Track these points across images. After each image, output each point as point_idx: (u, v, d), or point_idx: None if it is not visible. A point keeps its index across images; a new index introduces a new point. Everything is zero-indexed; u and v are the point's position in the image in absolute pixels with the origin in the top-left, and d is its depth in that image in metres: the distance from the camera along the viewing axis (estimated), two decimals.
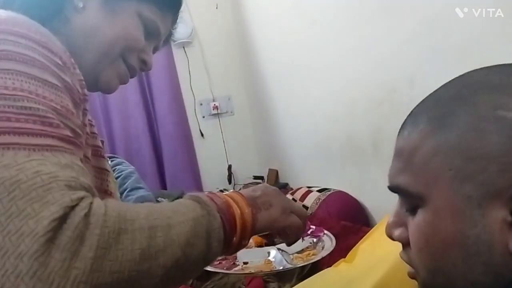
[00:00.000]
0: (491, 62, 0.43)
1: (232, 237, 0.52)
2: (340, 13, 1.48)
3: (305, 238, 0.80)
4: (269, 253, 0.77)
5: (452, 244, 0.38)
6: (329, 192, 1.63)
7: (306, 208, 1.68)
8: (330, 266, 0.91)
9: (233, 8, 2.68)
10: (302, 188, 1.85)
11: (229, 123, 2.75)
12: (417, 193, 0.41)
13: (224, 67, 2.72)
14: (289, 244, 0.65)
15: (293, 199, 1.84)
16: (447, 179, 0.38)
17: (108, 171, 0.65)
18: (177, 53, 2.64)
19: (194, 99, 2.67)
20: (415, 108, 0.44)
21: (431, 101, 0.43)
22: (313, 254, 0.79)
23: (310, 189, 1.79)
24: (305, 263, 0.72)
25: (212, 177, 2.70)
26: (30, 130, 0.42)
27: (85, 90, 0.56)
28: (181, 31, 2.55)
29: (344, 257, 0.94)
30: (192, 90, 2.65)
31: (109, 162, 1.56)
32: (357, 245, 0.92)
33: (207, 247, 0.48)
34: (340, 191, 1.61)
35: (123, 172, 1.51)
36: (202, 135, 2.71)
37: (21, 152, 0.40)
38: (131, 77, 0.69)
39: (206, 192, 0.54)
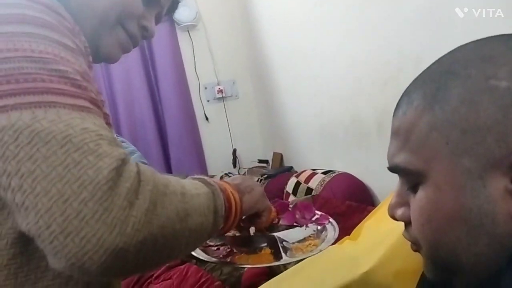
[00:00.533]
0: None
1: (230, 216, 0.57)
2: None
3: (309, 225, 0.80)
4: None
5: (455, 218, 0.38)
6: (333, 174, 1.64)
7: (311, 190, 1.69)
8: (335, 244, 0.91)
9: None
10: (307, 171, 1.86)
11: (234, 107, 2.75)
12: (416, 170, 0.41)
13: (229, 50, 2.70)
14: (263, 230, 0.71)
15: (297, 181, 1.84)
16: (445, 153, 0.38)
17: (116, 138, 0.66)
18: (182, 37, 2.62)
19: (199, 83, 2.66)
20: (408, 86, 0.44)
21: (423, 78, 0.43)
22: (314, 245, 0.79)
23: (315, 171, 1.79)
24: (301, 258, 0.72)
25: (217, 161, 2.71)
26: (65, 91, 0.43)
27: (90, 58, 0.56)
28: (185, 14, 2.54)
29: (349, 235, 0.94)
30: (196, 74, 2.65)
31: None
32: (361, 223, 0.92)
33: (214, 220, 0.51)
34: (344, 173, 1.61)
35: (126, 150, 1.51)
36: (206, 119, 2.71)
37: (63, 110, 0.41)
38: (134, 46, 0.68)
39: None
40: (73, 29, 0.51)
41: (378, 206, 1.03)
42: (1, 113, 0.39)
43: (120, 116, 2.54)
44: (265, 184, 2.17)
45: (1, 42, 0.42)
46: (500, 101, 0.36)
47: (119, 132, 2.52)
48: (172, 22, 2.57)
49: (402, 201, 0.45)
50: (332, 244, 0.71)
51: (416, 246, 0.45)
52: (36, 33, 0.44)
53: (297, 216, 0.76)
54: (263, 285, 0.86)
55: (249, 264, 0.70)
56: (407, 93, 0.44)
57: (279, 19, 2.12)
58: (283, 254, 0.69)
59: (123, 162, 0.41)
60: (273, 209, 0.79)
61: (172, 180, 0.48)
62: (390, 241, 0.73)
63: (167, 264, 1.29)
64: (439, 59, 0.43)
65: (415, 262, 0.61)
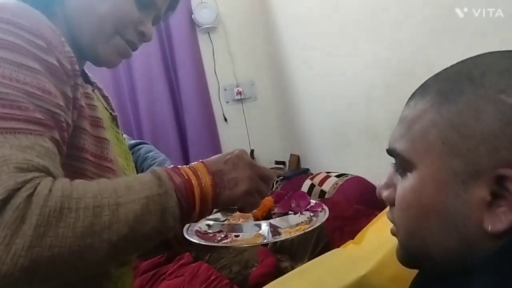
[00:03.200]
0: None
1: (191, 212, 0.54)
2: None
3: (303, 212, 0.81)
4: (260, 227, 0.78)
5: (431, 211, 0.41)
6: (346, 177, 1.65)
7: (324, 192, 1.71)
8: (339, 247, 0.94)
9: None
10: (321, 173, 1.87)
11: (252, 108, 2.78)
12: (409, 159, 0.43)
13: (248, 52, 2.73)
14: (259, 217, 0.70)
15: (312, 184, 1.86)
16: (438, 151, 0.41)
17: (108, 140, 0.66)
18: (202, 39, 2.67)
19: (218, 85, 2.70)
20: (428, 79, 0.46)
21: (443, 75, 0.45)
22: (302, 229, 0.80)
23: (329, 174, 1.81)
24: (289, 237, 0.73)
25: None
26: None
27: (76, 66, 0.58)
28: (205, 16, 2.59)
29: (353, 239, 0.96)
30: (216, 76, 2.69)
31: (141, 148, 1.60)
32: (366, 227, 0.95)
33: (162, 222, 0.50)
34: (357, 177, 1.63)
35: (156, 160, 1.56)
36: (225, 120, 2.75)
37: None
38: (133, 50, 0.69)
39: (170, 167, 0.56)
40: (50, 43, 0.53)
41: (384, 210, 1.04)
42: None
43: (141, 116, 2.61)
44: (281, 186, 2.20)
45: None
46: (502, 116, 0.38)
47: (141, 133, 2.59)
48: (193, 25, 2.62)
49: (390, 183, 0.48)
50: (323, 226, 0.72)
51: (395, 229, 0.48)
52: None
53: (292, 205, 0.79)
54: (268, 285, 0.90)
55: (238, 244, 0.72)
56: (424, 85, 0.46)
57: (297, 23, 2.14)
58: (269, 234, 0.71)
59: (17, 190, 0.42)
60: (271, 198, 0.81)
61: (95, 191, 0.47)
62: (388, 246, 0.75)
63: (180, 262, 1.34)
64: (465, 60, 0.44)
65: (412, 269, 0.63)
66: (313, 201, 0.79)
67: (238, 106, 2.75)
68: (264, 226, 0.74)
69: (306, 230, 0.69)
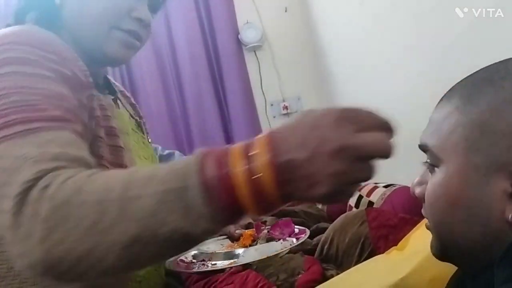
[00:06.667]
0: None
1: (235, 211, 0.42)
2: (401, 13, 1.50)
3: (287, 239, 0.78)
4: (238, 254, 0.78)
5: (457, 203, 0.45)
6: (394, 188, 1.64)
7: (372, 203, 1.71)
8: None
9: (302, 10, 2.75)
10: (369, 184, 1.87)
11: None
12: (437, 155, 0.48)
13: (294, 68, 2.79)
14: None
15: (360, 195, 1.86)
16: (463, 148, 0.45)
17: (122, 147, 0.69)
18: (248, 57, 2.77)
19: (265, 100, 2.78)
20: (455, 84, 0.51)
21: (467, 81, 0.49)
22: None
23: (377, 184, 1.80)
24: (260, 258, 0.73)
25: None
26: (19, 120, 0.50)
27: (90, 79, 0.64)
28: (251, 36, 2.69)
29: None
30: (263, 92, 2.76)
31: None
32: (409, 233, 0.95)
33: (189, 223, 0.41)
34: (405, 187, 1.61)
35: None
36: None
37: (11, 141, 0.49)
38: (138, 41, 0.72)
39: (218, 149, 0.45)
40: (64, 58, 0.59)
41: None
42: None
43: (192, 132, 2.73)
44: None
45: None
46: None
47: (191, 146, 2.70)
48: (239, 44, 2.73)
49: (423, 181, 0.53)
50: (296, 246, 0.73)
51: (428, 224, 0.52)
52: (11, 72, 0.53)
53: (276, 233, 0.79)
54: None
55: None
56: (451, 90, 0.51)
57: (342, 37, 2.18)
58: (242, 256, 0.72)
59: (36, 180, 0.44)
60: (252, 232, 0.83)
61: (106, 182, 0.43)
62: (428, 250, 0.76)
63: (230, 271, 1.39)
64: (487, 66, 0.49)
65: (450, 270, 0.64)
66: (297, 228, 0.79)
67: (285, 120, 2.79)
68: (241, 250, 0.74)
69: (280, 250, 0.69)
